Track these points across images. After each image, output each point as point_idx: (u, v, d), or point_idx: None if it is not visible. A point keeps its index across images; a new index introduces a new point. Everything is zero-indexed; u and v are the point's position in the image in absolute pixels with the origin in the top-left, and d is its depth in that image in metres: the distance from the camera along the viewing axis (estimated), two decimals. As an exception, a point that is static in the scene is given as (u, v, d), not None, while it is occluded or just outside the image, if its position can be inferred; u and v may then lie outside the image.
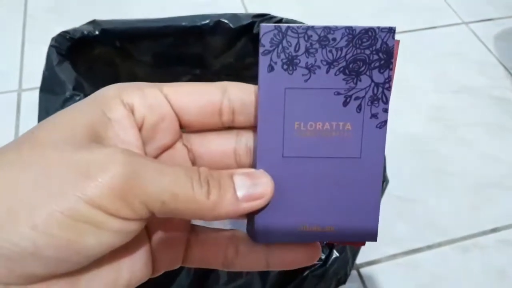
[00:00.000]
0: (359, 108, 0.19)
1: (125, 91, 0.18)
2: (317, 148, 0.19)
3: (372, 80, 0.18)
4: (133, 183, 0.16)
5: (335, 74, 0.18)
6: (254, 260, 0.20)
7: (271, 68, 0.18)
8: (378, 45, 0.18)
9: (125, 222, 0.16)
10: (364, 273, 0.52)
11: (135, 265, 0.18)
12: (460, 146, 0.66)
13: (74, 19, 0.51)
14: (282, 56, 0.18)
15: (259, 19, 0.46)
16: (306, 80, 0.18)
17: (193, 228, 0.21)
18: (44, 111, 0.41)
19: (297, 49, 0.18)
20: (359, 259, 0.53)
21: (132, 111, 0.18)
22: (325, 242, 0.20)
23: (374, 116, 0.19)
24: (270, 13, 0.47)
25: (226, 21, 0.46)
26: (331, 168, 0.19)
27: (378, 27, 0.18)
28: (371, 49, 0.18)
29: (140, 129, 0.19)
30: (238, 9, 0.84)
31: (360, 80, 0.18)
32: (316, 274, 0.32)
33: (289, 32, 0.18)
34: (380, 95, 0.19)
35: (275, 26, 0.18)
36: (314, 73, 0.18)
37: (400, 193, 0.59)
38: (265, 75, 0.18)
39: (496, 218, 0.58)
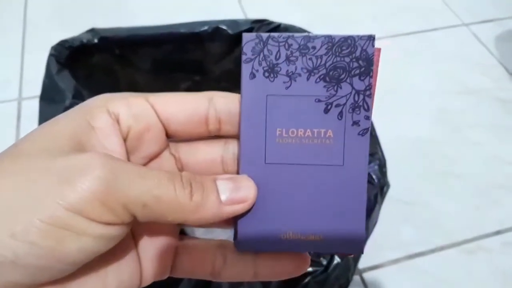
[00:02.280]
0: (340, 115, 0.19)
1: (111, 101, 0.18)
2: (299, 155, 0.19)
3: (353, 88, 0.19)
4: (113, 187, 0.15)
5: (315, 82, 0.19)
6: (242, 270, 0.20)
7: (253, 76, 0.19)
8: (358, 53, 0.18)
9: (107, 227, 0.16)
10: (367, 278, 0.52)
11: (123, 274, 0.18)
12: (464, 148, 0.65)
13: (74, 28, 0.51)
14: (264, 64, 0.19)
15: (257, 24, 0.45)
16: (287, 88, 0.19)
17: (182, 238, 0.21)
18: (44, 120, 0.41)
19: (278, 57, 0.19)
20: (362, 264, 0.53)
21: (117, 121, 0.18)
22: (311, 252, 0.20)
23: (355, 123, 0.19)
24: (268, 18, 0.47)
25: (224, 27, 0.46)
26: (314, 175, 0.19)
27: (358, 35, 0.18)
28: (350, 56, 0.18)
29: (125, 138, 0.19)
30: (237, 15, 0.84)
31: (341, 88, 0.19)
32: (317, 280, 0.31)
33: (270, 41, 0.19)
34: (361, 103, 0.19)
35: (256, 35, 0.19)
36: (295, 80, 0.19)
37: (403, 196, 0.58)
38: (247, 82, 0.19)
39: (501, 220, 0.58)
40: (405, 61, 0.77)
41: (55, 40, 0.45)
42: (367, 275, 0.52)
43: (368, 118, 0.19)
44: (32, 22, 0.83)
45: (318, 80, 0.19)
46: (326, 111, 0.19)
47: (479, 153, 0.65)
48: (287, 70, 0.19)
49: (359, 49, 0.18)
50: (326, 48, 0.18)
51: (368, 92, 0.18)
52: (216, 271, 0.20)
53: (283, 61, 0.19)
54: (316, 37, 0.18)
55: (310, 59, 0.18)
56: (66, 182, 0.15)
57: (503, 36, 0.83)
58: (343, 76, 0.18)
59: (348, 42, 0.18)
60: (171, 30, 0.47)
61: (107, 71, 0.49)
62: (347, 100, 0.19)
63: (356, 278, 0.52)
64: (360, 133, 0.19)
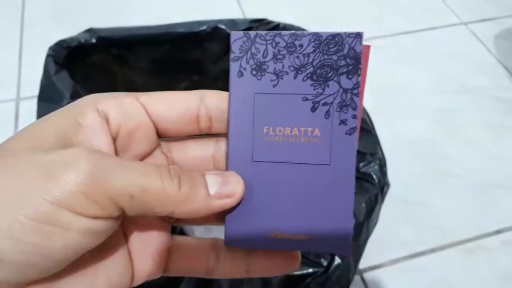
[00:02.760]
0: (327, 114, 0.18)
1: (100, 100, 0.18)
2: (286, 153, 0.19)
3: (340, 86, 0.18)
4: (99, 179, 0.15)
5: (302, 80, 0.18)
6: (234, 267, 0.20)
7: (240, 74, 0.19)
8: (346, 51, 0.18)
9: (94, 221, 0.15)
10: (367, 278, 0.52)
11: (113, 273, 0.18)
12: (463, 147, 0.65)
13: (71, 28, 0.51)
14: (251, 62, 0.19)
15: (256, 24, 0.45)
16: (274, 86, 0.19)
17: (175, 237, 0.21)
18: (42, 121, 0.41)
19: (265, 55, 0.19)
20: (362, 264, 0.52)
21: (106, 119, 0.18)
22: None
23: (343, 122, 0.18)
24: (267, 18, 0.47)
25: (223, 26, 0.46)
26: (301, 174, 0.19)
27: (345, 33, 0.18)
28: (338, 54, 0.18)
29: (115, 137, 0.19)
30: (236, 15, 0.84)
31: (328, 86, 0.18)
32: (318, 282, 0.31)
33: (258, 39, 0.19)
34: (349, 101, 0.18)
35: (244, 33, 0.19)
36: (282, 78, 0.19)
37: (403, 196, 0.58)
38: (235, 80, 0.19)
39: (500, 220, 0.58)
40: (404, 60, 0.77)
41: (53, 40, 0.44)
42: (367, 275, 0.52)
43: (355, 117, 0.18)
44: (29, 21, 0.82)
45: (305, 78, 0.19)
46: (313, 109, 0.19)
47: (479, 152, 0.65)
48: (275, 68, 0.19)
49: (346, 46, 0.18)
50: (313, 46, 0.18)
51: (356, 90, 0.18)
52: (210, 269, 0.20)
53: (271, 59, 0.19)
54: (303, 35, 0.18)
55: (297, 57, 0.18)
56: (51, 176, 0.15)
57: (502, 35, 0.83)
58: (330, 74, 0.18)
59: (336, 39, 0.18)
60: (169, 30, 0.47)
61: (105, 71, 0.49)
62: (334, 99, 0.18)
63: (356, 278, 0.52)
64: (348, 132, 0.18)
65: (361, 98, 0.18)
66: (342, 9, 0.87)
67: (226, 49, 0.48)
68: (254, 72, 0.19)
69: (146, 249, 0.19)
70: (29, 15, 0.83)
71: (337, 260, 0.31)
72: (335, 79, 0.18)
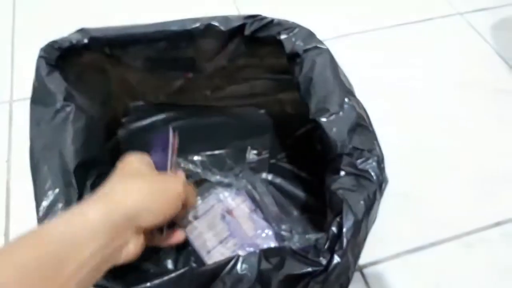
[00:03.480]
0: (166, 155, 0.43)
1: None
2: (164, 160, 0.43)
3: (168, 151, 0.43)
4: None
5: (162, 152, 0.43)
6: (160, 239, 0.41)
7: (154, 151, 0.43)
8: (164, 138, 0.44)
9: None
10: (367, 273, 0.52)
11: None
12: (461, 140, 0.65)
13: (63, 28, 0.50)
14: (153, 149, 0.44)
15: (250, 20, 0.45)
16: (159, 153, 0.43)
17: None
18: (35, 123, 0.41)
19: (152, 146, 0.44)
20: (362, 260, 0.52)
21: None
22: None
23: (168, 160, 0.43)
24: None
25: (216, 23, 0.45)
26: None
27: (170, 132, 0.45)
28: (163, 141, 0.44)
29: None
30: (231, 12, 0.83)
31: (165, 151, 0.44)
32: (317, 281, 0.31)
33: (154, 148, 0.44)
34: (170, 156, 0.43)
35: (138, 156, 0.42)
36: (158, 152, 0.43)
37: (402, 190, 0.58)
38: (153, 154, 0.42)
39: (500, 211, 0.57)
40: (400, 53, 0.77)
41: (45, 41, 0.44)
42: (367, 271, 0.52)
43: (167, 156, 0.43)
44: (21, 22, 0.81)
45: (163, 151, 0.43)
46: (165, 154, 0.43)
47: (477, 144, 0.65)
48: (155, 149, 0.43)
49: (165, 135, 0.44)
50: (161, 142, 0.44)
51: (169, 153, 0.43)
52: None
53: (155, 147, 0.44)
54: (160, 137, 0.44)
55: (159, 146, 0.43)
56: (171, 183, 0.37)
57: (498, 25, 0.82)
58: (164, 148, 0.43)
59: (162, 136, 0.45)
60: (163, 28, 0.46)
61: (98, 71, 0.49)
62: (167, 156, 0.43)
63: (356, 274, 0.51)
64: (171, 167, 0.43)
65: (172, 154, 0.43)
66: (335, 4, 0.86)
67: (220, 46, 0.48)
68: (153, 152, 0.42)
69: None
70: (20, 16, 0.83)
71: (336, 259, 0.31)
72: (165, 150, 0.43)
